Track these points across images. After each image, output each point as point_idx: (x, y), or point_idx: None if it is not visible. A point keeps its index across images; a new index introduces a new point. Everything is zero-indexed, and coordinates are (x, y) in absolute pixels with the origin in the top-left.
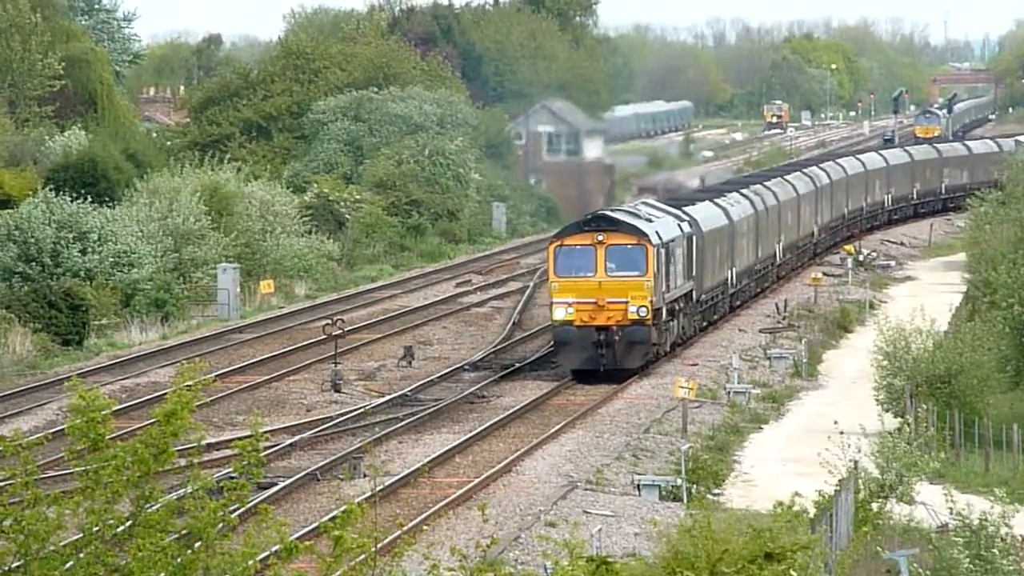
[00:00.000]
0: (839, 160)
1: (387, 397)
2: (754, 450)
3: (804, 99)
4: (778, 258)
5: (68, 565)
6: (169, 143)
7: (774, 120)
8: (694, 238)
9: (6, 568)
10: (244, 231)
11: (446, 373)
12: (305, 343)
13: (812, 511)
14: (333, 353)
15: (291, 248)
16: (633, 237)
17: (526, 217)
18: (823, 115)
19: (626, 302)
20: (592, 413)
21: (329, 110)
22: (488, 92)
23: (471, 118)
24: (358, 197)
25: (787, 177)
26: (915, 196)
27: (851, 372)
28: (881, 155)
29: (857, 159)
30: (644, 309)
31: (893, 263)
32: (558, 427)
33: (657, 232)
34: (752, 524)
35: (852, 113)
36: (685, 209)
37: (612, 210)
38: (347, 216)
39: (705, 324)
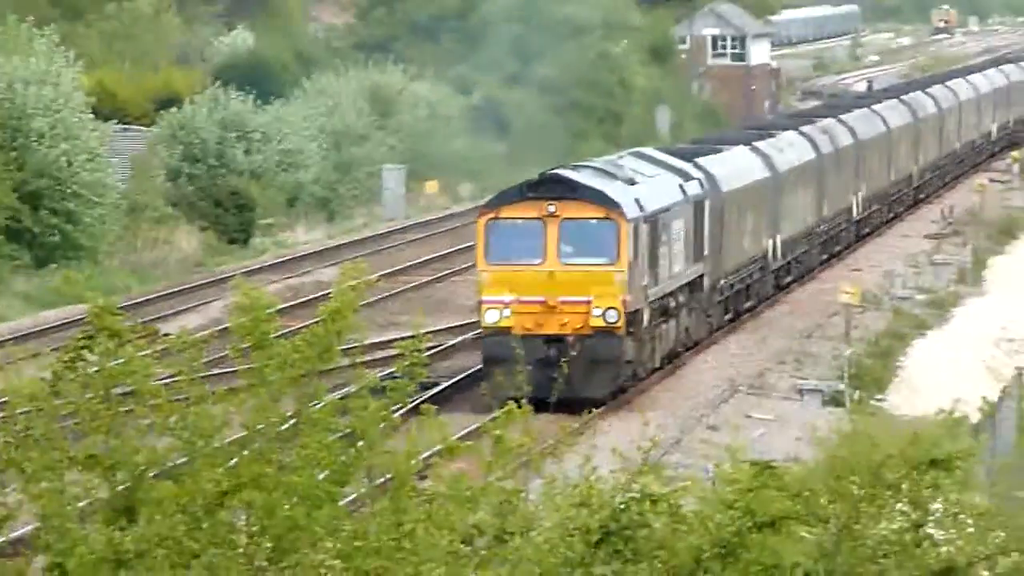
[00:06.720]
0: (954, 82)
1: None
2: (917, 356)
3: (971, 4)
4: (856, 212)
5: (232, 462)
6: (336, 44)
7: (941, 25)
8: (706, 203)
9: (171, 464)
10: (410, 132)
11: None
12: (470, 244)
13: (975, 418)
14: None
15: (456, 149)
16: (599, 207)
17: (689, 122)
18: (990, 21)
19: (588, 302)
20: (755, 317)
21: (496, 11)
22: None
23: (636, 21)
24: (523, 99)
25: (876, 107)
26: None
27: (1016, 278)
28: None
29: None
30: (614, 313)
31: None
32: (721, 331)
33: (638, 199)
34: (915, 430)
35: (1020, 19)
36: (698, 161)
37: (576, 167)
38: (512, 118)
39: (731, 316)
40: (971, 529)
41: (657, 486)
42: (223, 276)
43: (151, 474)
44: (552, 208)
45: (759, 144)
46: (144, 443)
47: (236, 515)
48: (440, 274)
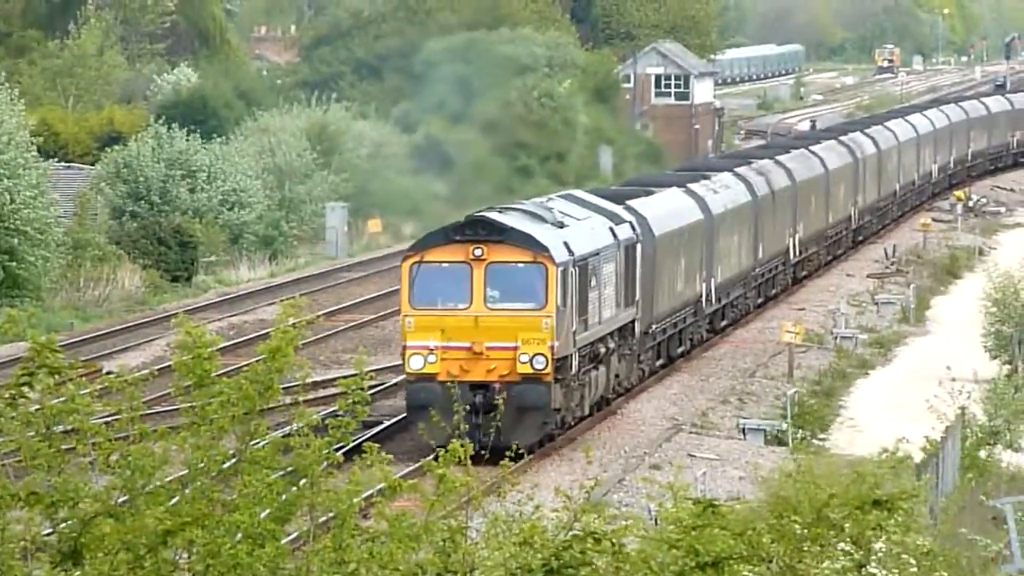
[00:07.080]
0: (894, 122)
1: None
2: (860, 395)
3: (915, 44)
4: (793, 255)
5: (174, 500)
6: (279, 82)
7: (885, 64)
8: (637, 246)
9: (113, 503)
10: (353, 170)
11: None
12: None
13: (918, 457)
14: None
15: (399, 187)
16: (527, 251)
17: (632, 161)
18: (934, 60)
19: (515, 348)
20: (698, 356)
21: (439, 51)
22: (597, 34)
23: (580, 60)
24: (466, 138)
25: (813, 148)
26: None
27: (959, 318)
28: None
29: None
30: (541, 359)
31: (1003, 210)
32: (664, 370)
33: (566, 243)
34: (856, 469)
35: (964, 58)
36: (630, 203)
37: (503, 209)
38: (455, 157)
39: (663, 362)
40: (914, 569)
41: (600, 525)
42: (166, 314)
43: (95, 514)
44: (479, 252)
45: (693, 186)
46: (85, 480)
47: (178, 554)
48: (383, 312)
